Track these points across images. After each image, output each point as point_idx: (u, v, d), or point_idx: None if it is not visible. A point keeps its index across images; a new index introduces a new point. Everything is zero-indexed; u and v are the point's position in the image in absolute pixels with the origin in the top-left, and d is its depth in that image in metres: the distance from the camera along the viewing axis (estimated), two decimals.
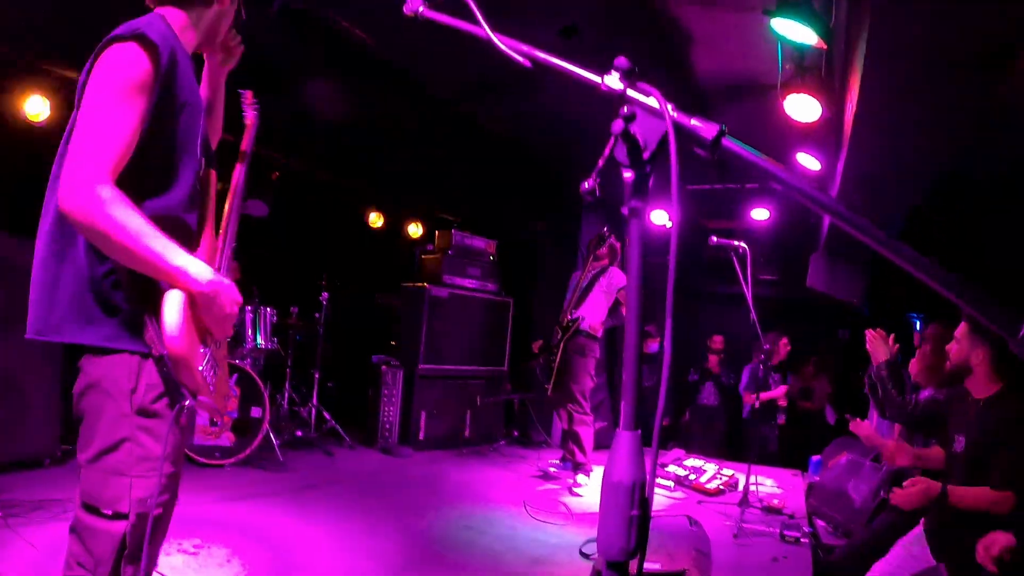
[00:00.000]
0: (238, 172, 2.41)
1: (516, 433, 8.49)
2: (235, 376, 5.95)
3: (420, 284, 7.51)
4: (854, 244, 7.59)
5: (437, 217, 8.72)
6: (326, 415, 7.24)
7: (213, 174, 2.20)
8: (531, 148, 7.78)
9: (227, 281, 1.86)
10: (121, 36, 1.73)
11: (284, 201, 7.70)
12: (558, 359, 6.42)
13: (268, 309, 6.46)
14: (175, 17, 1.93)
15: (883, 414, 3.88)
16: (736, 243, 5.17)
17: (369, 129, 6.83)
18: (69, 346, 1.84)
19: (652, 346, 9.32)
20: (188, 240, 1.90)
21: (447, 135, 7.14)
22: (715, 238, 5.21)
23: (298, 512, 4.72)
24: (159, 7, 1.93)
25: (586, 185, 1.05)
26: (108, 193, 1.63)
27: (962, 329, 3.25)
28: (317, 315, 7.28)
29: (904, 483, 3.18)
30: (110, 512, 1.79)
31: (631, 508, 1.13)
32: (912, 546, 3.27)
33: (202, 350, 1.90)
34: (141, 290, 1.79)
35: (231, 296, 1.87)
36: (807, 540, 4.74)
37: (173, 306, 1.72)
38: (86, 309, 1.78)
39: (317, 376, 7.27)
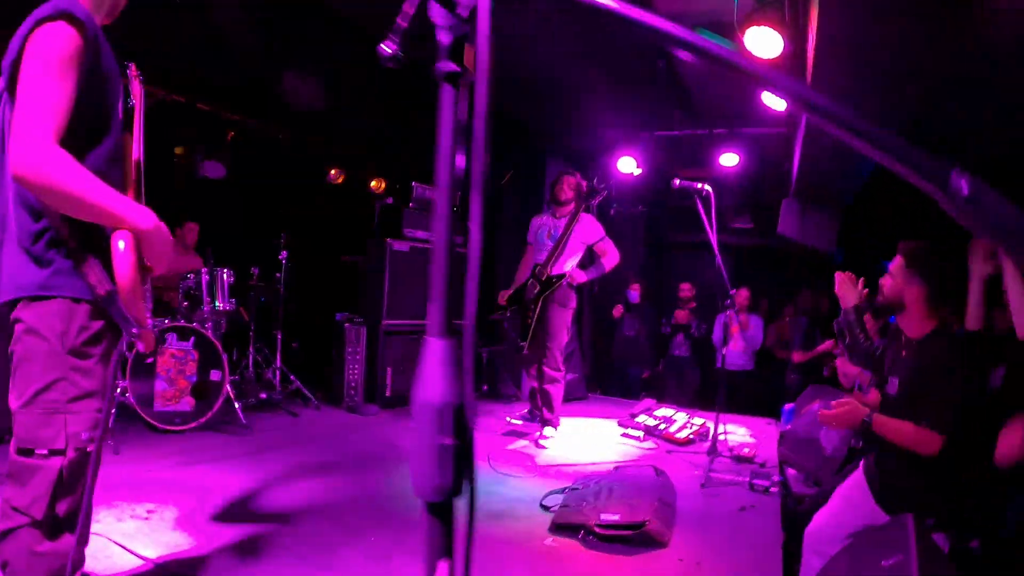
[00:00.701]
0: (136, 143, 2.51)
1: (485, 387, 8.36)
2: (192, 339, 5.82)
3: (381, 239, 7.33)
4: (825, 187, 7.47)
5: (398, 171, 8.52)
6: (291, 376, 7.14)
7: (127, 137, 2.38)
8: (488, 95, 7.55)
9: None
10: (50, 16, 1.92)
11: (241, 161, 7.50)
12: (536, 315, 6.21)
13: (224, 270, 6.29)
14: (84, 2, 2.10)
15: (851, 360, 3.79)
16: (699, 185, 5.03)
17: (325, 84, 6.62)
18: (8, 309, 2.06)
19: (634, 295, 9.22)
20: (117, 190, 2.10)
21: (399, 87, 6.89)
22: (678, 181, 5.08)
23: (257, 474, 4.62)
24: None
25: (386, 50, 0.89)
26: (57, 154, 1.85)
27: (897, 263, 3.13)
28: (278, 275, 7.13)
29: (832, 403, 3.12)
30: (46, 451, 1.99)
31: (442, 435, 0.96)
32: (851, 490, 3.20)
33: (144, 286, 2.16)
34: (81, 239, 2.03)
35: (166, 234, 2.11)
36: (776, 489, 4.67)
37: (124, 245, 1.99)
38: (21, 264, 2.01)
39: (280, 337, 7.15)
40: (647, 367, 9.55)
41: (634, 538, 3.50)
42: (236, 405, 6.07)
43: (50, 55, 1.90)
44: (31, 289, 2.00)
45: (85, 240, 2.03)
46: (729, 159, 7.79)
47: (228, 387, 5.96)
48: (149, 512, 3.79)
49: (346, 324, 7.06)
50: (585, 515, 3.64)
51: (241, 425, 5.93)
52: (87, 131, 2.05)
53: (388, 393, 7.16)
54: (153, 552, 3.27)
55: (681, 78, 6.55)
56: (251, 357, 7.18)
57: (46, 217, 2.00)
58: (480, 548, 3.38)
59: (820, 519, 3.23)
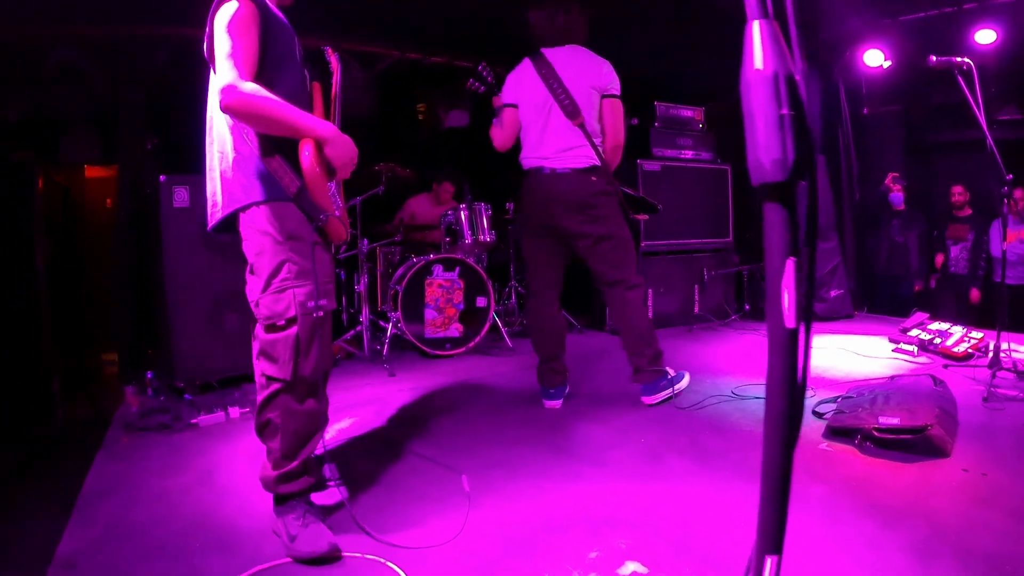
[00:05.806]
0: (334, 116, 2.98)
1: (748, 307, 8.09)
2: (457, 270, 6.24)
3: (631, 160, 7.23)
4: None
5: (641, 92, 8.42)
6: None
7: (316, 85, 2.94)
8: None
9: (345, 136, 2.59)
10: None
11: (482, 106, 7.78)
12: None
13: (481, 204, 6.56)
14: None
15: None
16: (958, 59, 4.58)
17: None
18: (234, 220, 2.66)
19: (898, 198, 8.49)
20: None
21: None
22: (934, 58, 4.66)
23: (523, 386, 4.95)
24: None
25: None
26: (251, 86, 2.38)
27: None
28: None
29: None
30: (283, 322, 2.55)
31: (779, 107, 0.86)
32: None
33: (329, 183, 2.60)
34: (275, 150, 2.53)
35: (349, 144, 2.57)
36: None
37: (307, 146, 2.44)
38: (243, 181, 2.59)
39: None
40: (919, 280, 8.82)
41: (914, 444, 3.35)
42: (503, 330, 6.45)
43: (230, 21, 2.45)
44: (254, 198, 2.57)
45: (279, 148, 2.52)
46: (985, 36, 6.83)
47: (494, 313, 6.33)
48: (419, 416, 4.30)
49: None
50: (862, 419, 3.53)
51: (507, 348, 6.31)
52: (269, 76, 2.54)
53: (650, 314, 7.17)
54: (420, 445, 3.76)
55: None
56: (512, 286, 7.55)
57: (250, 143, 2.55)
58: (752, 451, 3.41)
59: None
